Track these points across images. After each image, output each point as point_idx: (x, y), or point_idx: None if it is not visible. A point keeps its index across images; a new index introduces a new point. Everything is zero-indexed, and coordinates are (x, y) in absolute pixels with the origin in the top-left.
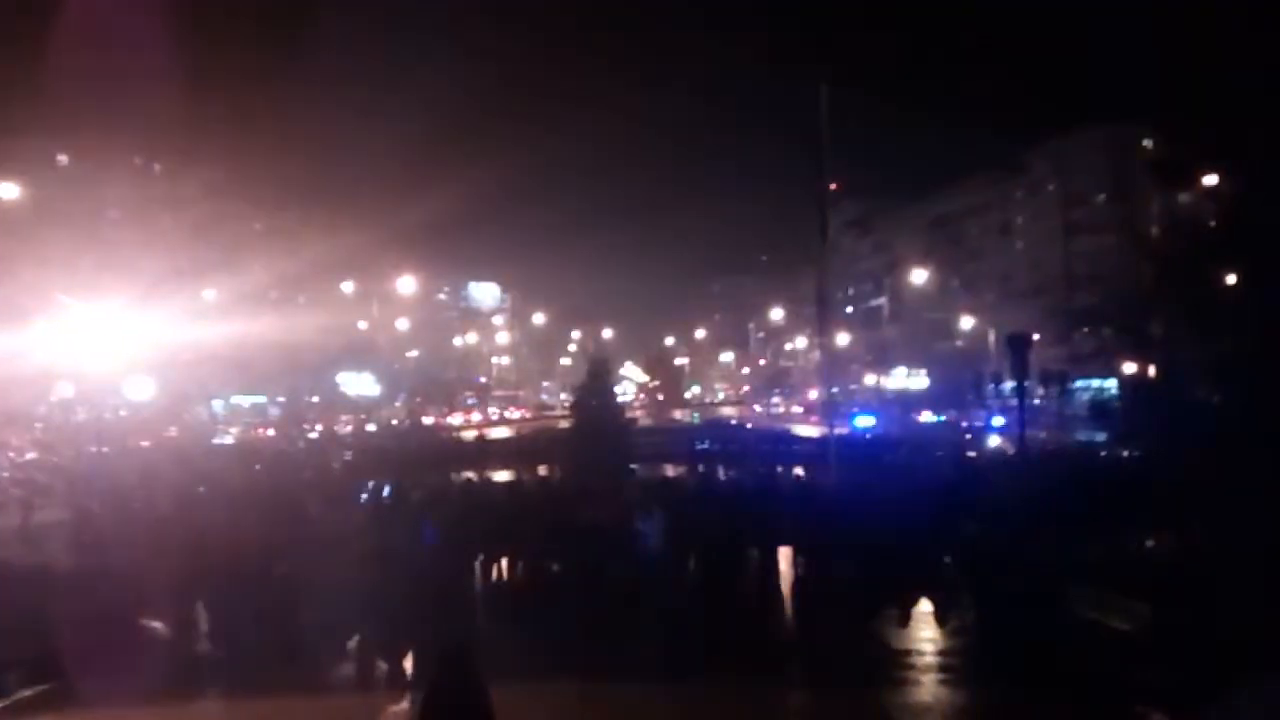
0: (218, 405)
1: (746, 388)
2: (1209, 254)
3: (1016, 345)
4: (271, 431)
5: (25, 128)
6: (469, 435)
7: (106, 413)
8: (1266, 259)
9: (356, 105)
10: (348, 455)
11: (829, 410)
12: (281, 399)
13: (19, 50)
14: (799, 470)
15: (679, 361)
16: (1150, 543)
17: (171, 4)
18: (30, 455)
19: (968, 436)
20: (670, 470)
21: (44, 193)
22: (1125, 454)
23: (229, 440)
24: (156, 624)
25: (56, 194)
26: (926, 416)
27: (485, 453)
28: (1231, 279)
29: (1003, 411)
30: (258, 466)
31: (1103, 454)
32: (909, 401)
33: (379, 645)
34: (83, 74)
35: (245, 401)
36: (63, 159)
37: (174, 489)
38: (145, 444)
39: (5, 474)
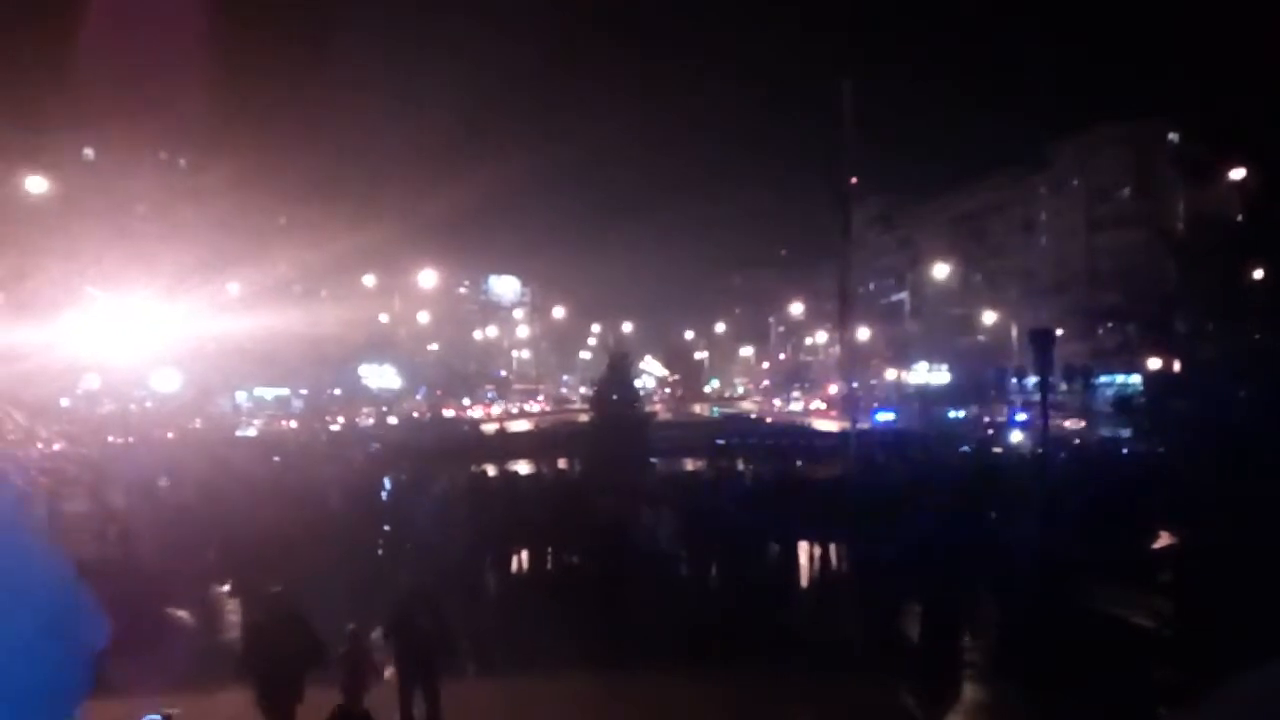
0: (241, 397)
1: (766, 382)
2: (1235, 249)
3: (1040, 340)
4: (294, 424)
5: (53, 123)
6: (489, 428)
7: (132, 404)
8: None
9: (380, 99)
10: (375, 446)
11: (849, 405)
12: (304, 391)
13: (48, 46)
14: (818, 465)
15: (698, 356)
16: (1174, 539)
17: (198, 1)
18: (58, 446)
19: (989, 432)
20: (689, 464)
21: (72, 187)
22: (1149, 449)
23: (252, 433)
24: (182, 614)
25: (84, 188)
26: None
27: (505, 446)
28: (1258, 274)
29: (1025, 408)
30: (276, 458)
31: (1125, 450)
32: (930, 397)
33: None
34: (110, 69)
35: (269, 394)
36: (90, 153)
37: (198, 481)
38: (169, 436)
39: (34, 465)
